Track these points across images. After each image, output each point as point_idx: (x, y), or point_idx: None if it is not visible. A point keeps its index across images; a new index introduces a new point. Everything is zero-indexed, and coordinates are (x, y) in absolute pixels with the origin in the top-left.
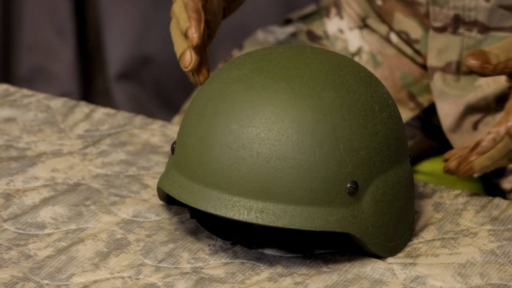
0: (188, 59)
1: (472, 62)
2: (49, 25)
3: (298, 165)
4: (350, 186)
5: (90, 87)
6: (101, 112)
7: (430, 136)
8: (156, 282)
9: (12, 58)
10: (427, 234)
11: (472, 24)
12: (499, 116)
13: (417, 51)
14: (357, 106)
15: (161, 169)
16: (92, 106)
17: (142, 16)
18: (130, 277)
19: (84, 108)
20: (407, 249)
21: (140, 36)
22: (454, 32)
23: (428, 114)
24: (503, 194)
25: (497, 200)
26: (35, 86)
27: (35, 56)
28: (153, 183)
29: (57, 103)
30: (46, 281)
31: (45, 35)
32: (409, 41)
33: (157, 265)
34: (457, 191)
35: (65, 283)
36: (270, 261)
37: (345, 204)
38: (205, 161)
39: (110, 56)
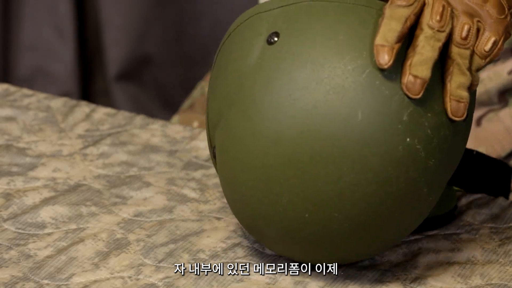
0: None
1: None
2: (49, 25)
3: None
4: None
5: (90, 87)
6: (101, 112)
7: None
8: (156, 282)
9: (12, 58)
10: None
11: None
12: (503, 112)
13: None
14: None
15: (162, 169)
16: (92, 106)
17: (142, 16)
18: (130, 277)
19: (84, 108)
20: (409, 244)
21: (140, 36)
22: None
23: None
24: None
25: (500, 199)
26: (35, 86)
27: (35, 56)
28: (154, 182)
29: (57, 103)
30: (46, 281)
31: (45, 35)
32: None
33: (157, 265)
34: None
35: (65, 283)
36: (270, 261)
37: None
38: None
39: (110, 56)
